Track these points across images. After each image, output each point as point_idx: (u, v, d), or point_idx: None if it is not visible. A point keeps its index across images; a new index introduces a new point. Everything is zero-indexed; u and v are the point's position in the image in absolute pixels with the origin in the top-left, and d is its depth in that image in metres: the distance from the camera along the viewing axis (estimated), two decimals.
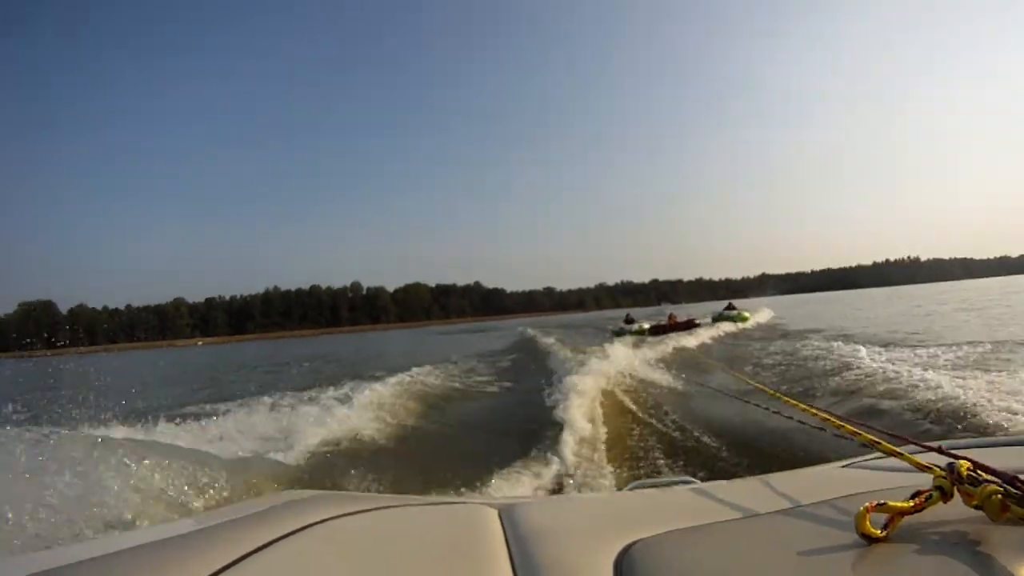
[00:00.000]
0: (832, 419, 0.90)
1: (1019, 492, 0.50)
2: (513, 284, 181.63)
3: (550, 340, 16.65)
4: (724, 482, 0.97)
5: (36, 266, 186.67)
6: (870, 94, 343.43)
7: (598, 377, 7.58)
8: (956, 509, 0.54)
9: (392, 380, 9.07)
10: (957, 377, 5.60)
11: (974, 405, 4.27)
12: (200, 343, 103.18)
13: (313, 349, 32.91)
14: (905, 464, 0.68)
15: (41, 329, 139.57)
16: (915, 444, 0.80)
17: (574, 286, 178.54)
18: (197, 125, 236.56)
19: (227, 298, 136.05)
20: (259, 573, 0.54)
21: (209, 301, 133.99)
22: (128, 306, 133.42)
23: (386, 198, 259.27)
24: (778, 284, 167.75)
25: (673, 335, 17.01)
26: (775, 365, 9.29)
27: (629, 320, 22.50)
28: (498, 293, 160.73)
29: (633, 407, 6.43)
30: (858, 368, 6.99)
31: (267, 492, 3.33)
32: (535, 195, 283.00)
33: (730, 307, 23.32)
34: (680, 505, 0.79)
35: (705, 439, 4.89)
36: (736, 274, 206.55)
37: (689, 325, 19.75)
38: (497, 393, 9.55)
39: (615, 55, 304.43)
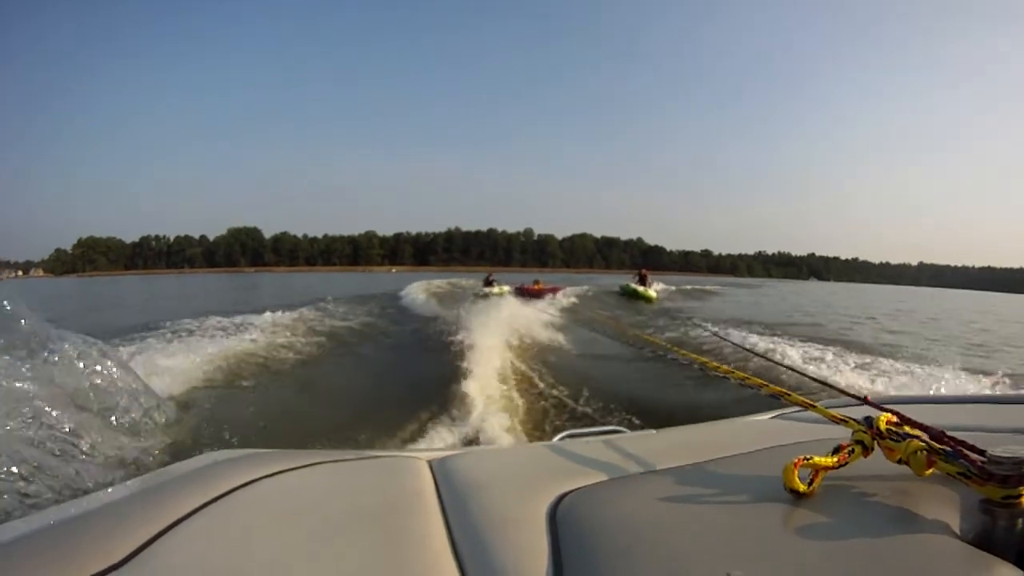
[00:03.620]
0: (735, 373, 0.86)
1: (944, 448, 0.47)
2: (673, 243, 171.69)
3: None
4: (654, 432, 0.93)
5: (246, 197, 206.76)
6: None
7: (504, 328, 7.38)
8: (882, 463, 0.52)
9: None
10: None
11: None
12: (394, 270, 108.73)
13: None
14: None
15: (247, 251, 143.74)
16: (842, 395, 0.77)
17: (734, 251, 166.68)
18: (398, 77, 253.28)
19: (413, 234, 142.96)
20: (192, 540, 0.51)
21: (397, 235, 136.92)
22: (325, 235, 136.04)
23: (565, 149, 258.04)
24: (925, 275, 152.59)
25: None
26: None
27: (488, 282, 19.19)
28: (657, 250, 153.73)
29: (533, 361, 6.22)
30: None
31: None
32: (708, 155, 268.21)
33: (641, 279, 18.42)
34: (610, 455, 0.74)
35: (618, 392, 4.71)
36: (894, 259, 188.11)
37: (552, 291, 17.55)
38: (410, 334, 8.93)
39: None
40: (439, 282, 21.45)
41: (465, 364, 5.37)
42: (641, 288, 17.26)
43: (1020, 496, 0.40)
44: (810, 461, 0.50)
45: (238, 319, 8.88)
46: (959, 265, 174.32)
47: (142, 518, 0.53)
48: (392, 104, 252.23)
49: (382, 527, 0.55)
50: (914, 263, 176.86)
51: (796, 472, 0.49)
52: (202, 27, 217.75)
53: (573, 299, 15.55)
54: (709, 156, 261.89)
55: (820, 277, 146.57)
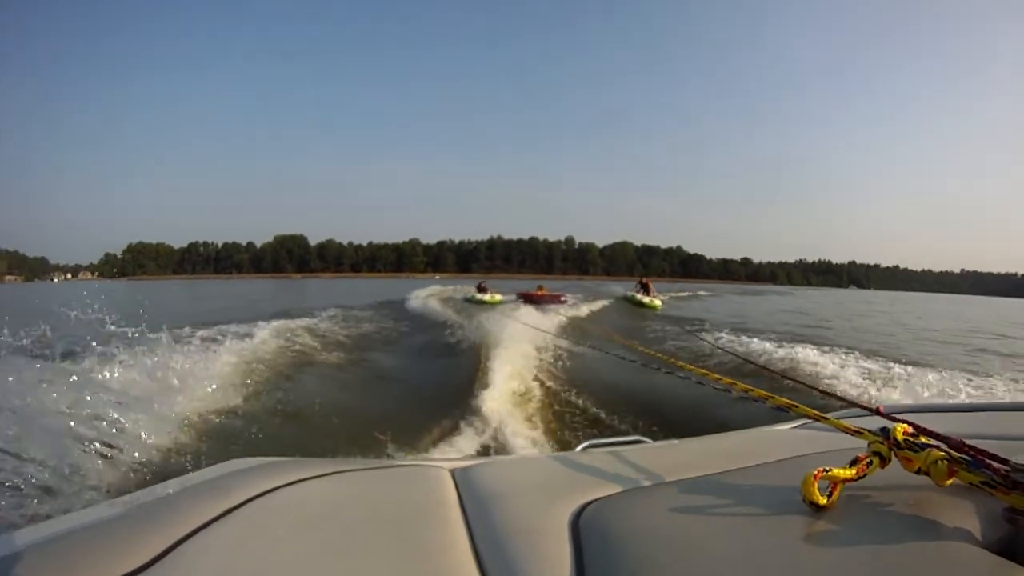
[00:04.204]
0: (737, 384, 0.87)
1: (966, 457, 0.46)
2: (713, 252, 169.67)
3: None
4: (676, 441, 0.94)
5: (293, 205, 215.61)
6: None
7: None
8: (900, 474, 0.51)
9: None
10: None
11: None
12: (438, 277, 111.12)
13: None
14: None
15: (293, 257, 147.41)
16: (853, 407, 0.76)
17: (775, 259, 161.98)
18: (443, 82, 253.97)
19: (456, 242, 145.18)
20: (213, 546, 0.50)
21: (440, 243, 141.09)
22: (370, 243, 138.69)
23: (614, 159, 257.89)
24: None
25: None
26: None
27: (481, 288, 18.23)
28: (697, 259, 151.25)
29: (552, 370, 6.10)
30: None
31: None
32: (751, 163, 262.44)
33: (644, 288, 18.30)
34: (634, 465, 0.73)
35: (641, 403, 4.66)
36: (937, 267, 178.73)
37: (554, 299, 16.68)
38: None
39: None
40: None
41: (485, 372, 5.35)
42: (647, 299, 16.95)
43: None
44: (829, 473, 0.49)
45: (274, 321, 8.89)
46: (1002, 272, 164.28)
47: (164, 524, 0.54)
48: (435, 115, 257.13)
49: (404, 536, 0.54)
50: (956, 271, 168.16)
51: (815, 484, 0.48)
52: (262, 32, 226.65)
53: (581, 307, 15.29)
54: (752, 164, 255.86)
55: (860, 285, 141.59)
